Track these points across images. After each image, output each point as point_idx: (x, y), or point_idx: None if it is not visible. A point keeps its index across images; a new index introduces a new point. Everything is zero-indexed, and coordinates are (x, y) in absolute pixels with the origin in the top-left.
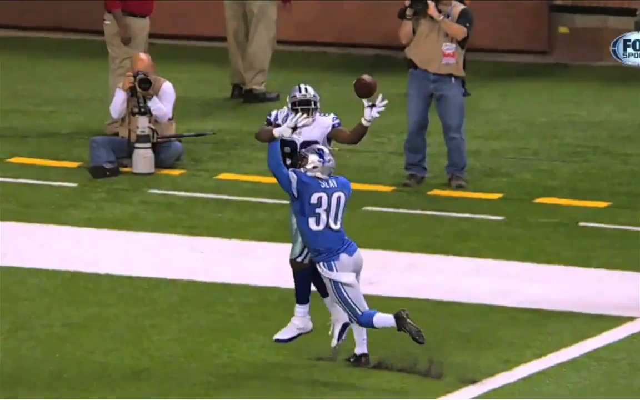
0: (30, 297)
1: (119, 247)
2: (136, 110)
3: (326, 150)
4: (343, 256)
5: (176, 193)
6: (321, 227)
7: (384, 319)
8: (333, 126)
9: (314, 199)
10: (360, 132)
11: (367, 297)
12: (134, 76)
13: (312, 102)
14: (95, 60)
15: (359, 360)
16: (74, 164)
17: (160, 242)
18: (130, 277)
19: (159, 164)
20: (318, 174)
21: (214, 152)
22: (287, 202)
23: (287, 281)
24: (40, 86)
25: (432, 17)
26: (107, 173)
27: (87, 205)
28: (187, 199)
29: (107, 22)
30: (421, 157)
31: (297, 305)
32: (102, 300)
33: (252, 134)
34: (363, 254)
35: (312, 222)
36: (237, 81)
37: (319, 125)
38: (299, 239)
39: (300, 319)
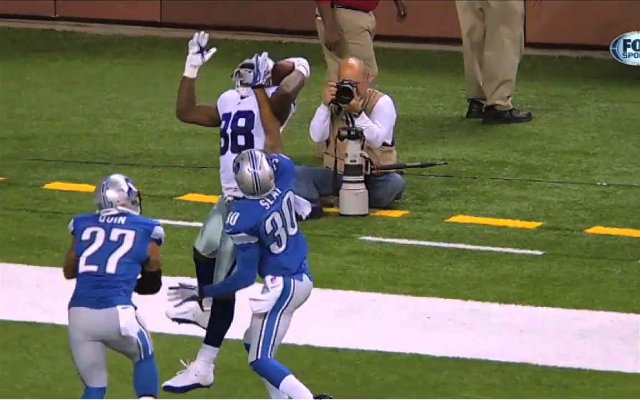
0: None
1: (323, 310)
2: (344, 132)
3: (261, 172)
4: (305, 278)
5: (396, 241)
6: (284, 246)
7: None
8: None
9: (268, 227)
10: (277, 103)
11: None
12: (337, 86)
13: (252, 67)
14: None
15: None
16: None
17: (375, 304)
18: (335, 350)
19: (375, 202)
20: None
21: (446, 187)
22: (539, 252)
23: (541, 355)
24: None
25: None
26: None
27: None
28: (410, 248)
29: (320, 17)
30: None
31: (203, 345)
32: (299, 380)
33: (494, 164)
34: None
35: (274, 247)
36: (475, 95)
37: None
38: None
39: (202, 365)
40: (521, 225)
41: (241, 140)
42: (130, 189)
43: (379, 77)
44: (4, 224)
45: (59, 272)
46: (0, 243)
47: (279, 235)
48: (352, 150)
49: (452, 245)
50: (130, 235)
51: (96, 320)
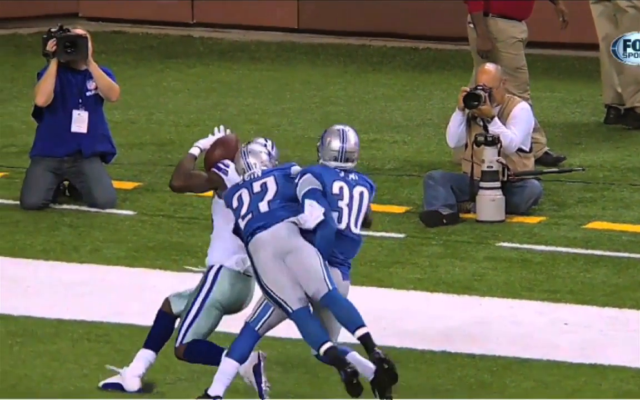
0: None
1: (459, 316)
2: (481, 138)
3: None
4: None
5: (533, 247)
6: (342, 226)
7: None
8: None
9: (335, 188)
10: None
11: None
12: (468, 92)
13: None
14: (430, 73)
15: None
16: (400, 209)
17: (512, 310)
18: (472, 356)
19: (511, 208)
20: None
21: (583, 193)
22: None
23: None
24: (358, 108)
25: None
26: (444, 221)
27: (418, 262)
28: (547, 254)
29: (472, 24)
30: None
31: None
32: (435, 385)
33: (632, 170)
34: None
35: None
36: (612, 101)
37: None
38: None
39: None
40: None
41: None
42: (269, 152)
43: None
44: (142, 230)
45: (196, 278)
46: (138, 249)
47: (341, 208)
48: (489, 156)
49: (589, 251)
50: (270, 180)
51: (278, 231)
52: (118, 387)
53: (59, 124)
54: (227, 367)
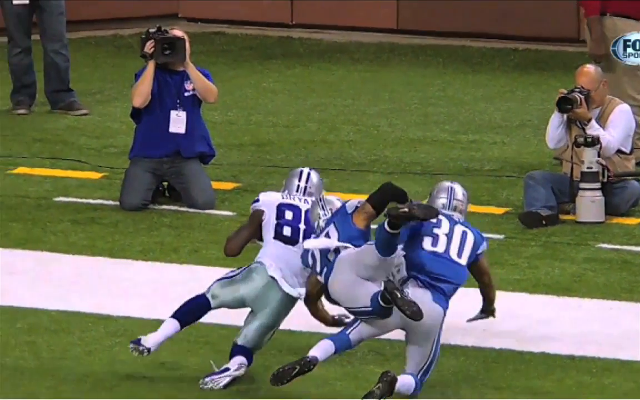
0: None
1: (559, 318)
2: (581, 139)
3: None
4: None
5: (633, 248)
6: (437, 249)
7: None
8: None
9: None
10: None
11: None
12: (563, 95)
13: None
14: (530, 74)
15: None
16: (500, 210)
17: (611, 312)
18: (571, 357)
19: (611, 209)
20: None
21: None
22: None
23: None
24: (457, 108)
25: None
26: (544, 222)
27: (517, 263)
28: None
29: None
30: None
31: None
32: (535, 386)
33: None
34: None
35: (427, 241)
36: None
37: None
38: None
39: None
40: None
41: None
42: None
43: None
44: None
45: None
46: None
47: (437, 234)
48: (589, 157)
49: None
50: (331, 228)
51: (339, 268)
52: (223, 372)
53: (157, 125)
54: (324, 343)
